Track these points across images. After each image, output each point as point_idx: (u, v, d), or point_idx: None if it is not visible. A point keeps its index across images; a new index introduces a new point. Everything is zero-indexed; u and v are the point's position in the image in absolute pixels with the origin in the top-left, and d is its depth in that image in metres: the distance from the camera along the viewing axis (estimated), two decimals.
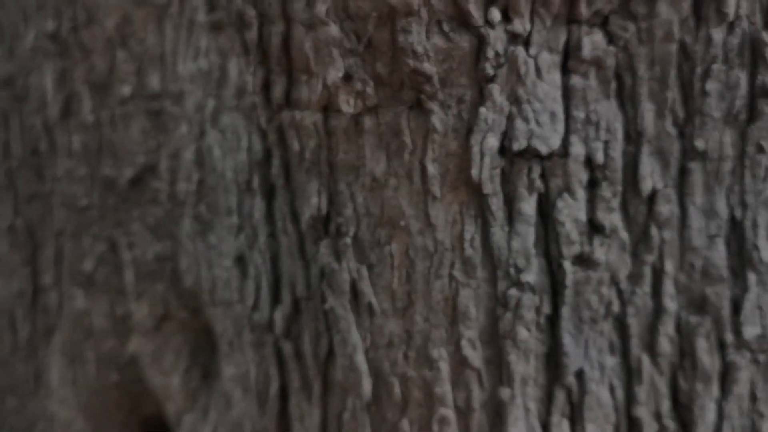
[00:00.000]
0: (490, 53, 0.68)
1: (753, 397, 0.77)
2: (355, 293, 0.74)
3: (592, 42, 0.69)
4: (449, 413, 0.73)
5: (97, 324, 1.00)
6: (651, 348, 0.74)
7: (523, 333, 0.71)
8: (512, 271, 0.71)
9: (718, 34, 0.70)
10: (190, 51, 0.89)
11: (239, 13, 0.74)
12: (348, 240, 0.73)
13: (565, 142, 0.71)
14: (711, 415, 0.76)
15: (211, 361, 0.96)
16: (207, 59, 0.86)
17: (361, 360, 0.73)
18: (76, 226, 0.99)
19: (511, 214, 0.71)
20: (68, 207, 0.99)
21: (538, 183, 0.71)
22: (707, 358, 0.75)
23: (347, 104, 0.69)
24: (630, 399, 0.75)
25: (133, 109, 0.95)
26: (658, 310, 0.75)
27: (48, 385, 1.06)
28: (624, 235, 0.73)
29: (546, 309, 0.73)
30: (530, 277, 0.71)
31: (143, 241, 0.95)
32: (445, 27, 0.67)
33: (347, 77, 0.69)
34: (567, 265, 0.72)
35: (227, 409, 0.90)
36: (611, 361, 0.74)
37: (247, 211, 0.81)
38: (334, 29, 0.67)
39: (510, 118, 0.69)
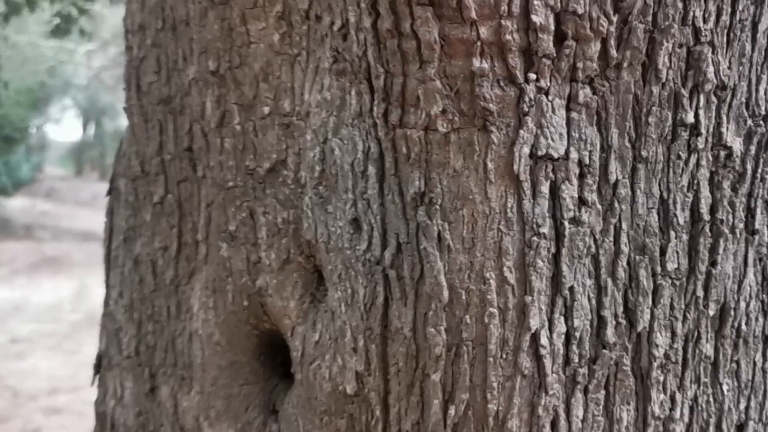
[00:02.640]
0: (526, 99, 1.09)
1: (671, 307, 1.17)
2: (440, 239, 1.13)
3: (584, 93, 1.10)
4: (495, 311, 1.13)
5: (235, 266, 1.39)
6: (613, 274, 1.15)
7: (539, 264, 1.12)
8: (535, 226, 1.11)
9: (656, 89, 1.11)
10: (315, 86, 1.28)
11: (369, 68, 1.18)
12: (437, 207, 1.13)
13: (567, 151, 1.11)
14: (647, 316, 1.17)
15: (317, 291, 1.35)
16: (330, 92, 1.24)
17: (442, 279, 1.14)
18: (222, 199, 1.41)
19: (535, 193, 1.11)
20: (217, 187, 1.41)
21: (551, 174, 1.11)
22: (645, 281, 1.16)
23: (443, 126, 1.10)
24: (599, 305, 1.15)
25: (270, 122, 1.34)
26: (617, 252, 1.15)
27: (190, 310, 1.49)
28: (599, 206, 1.13)
29: (553, 249, 1.13)
30: (545, 230, 1.11)
31: (274, 210, 1.34)
32: (502, 83, 1.08)
33: (443, 111, 1.10)
34: (566, 223, 1.12)
35: (331, 320, 1.27)
36: (589, 282, 1.15)
37: (360, 190, 1.21)
38: (438, 83, 1.10)
39: (536, 136, 1.09)
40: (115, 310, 1.59)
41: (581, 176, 1.14)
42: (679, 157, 1.16)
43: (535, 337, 1.15)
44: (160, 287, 1.51)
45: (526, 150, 1.11)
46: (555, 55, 1.09)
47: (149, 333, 1.53)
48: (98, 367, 1.69)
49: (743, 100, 1.18)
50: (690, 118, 1.15)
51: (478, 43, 1.08)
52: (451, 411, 1.18)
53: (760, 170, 1.21)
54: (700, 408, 1.24)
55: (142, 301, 1.54)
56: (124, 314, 1.57)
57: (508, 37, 1.07)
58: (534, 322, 1.14)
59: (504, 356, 1.16)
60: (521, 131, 1.11)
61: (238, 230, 1.39)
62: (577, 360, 1.17)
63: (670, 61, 1.12)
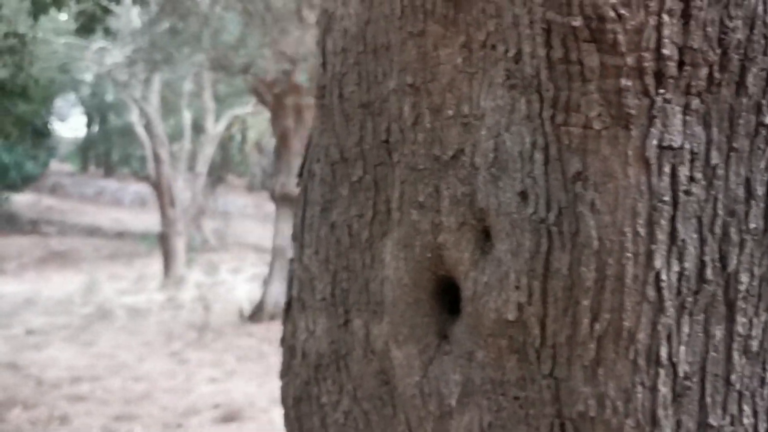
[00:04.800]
0: (656, 107, 1.41)
1: (752, 255, 1.54)
2: (592, 204, 1.47)
3: (695, 103, 1.46)
4: (630, 255, 1.49)
5: (422, 228, 1.78)
6: (711, 231, 1.48)
7: (662, 222, 1.43)
8: (659, 196, 1.46)
9: (745, 100, 1.48)
10: (489, 95, 1.68)
11: (539, 84, 1.64)
12: (591, 182, 1.48)
13: (683, 143, 1.41)
14: (734, 262, 1.47)
15: (485, 245, 1.73)
16: (501, 100, 1.64)
17: (593, 233, 1.51)
18: (414, 178, 1.83)
19: (660, 172, 1.41)
20: (410, 169, 1.83)
21: (671, 159, 1.39)
22: (734, 236, 1.45)
23: (597, 125, 1.50)
24: (702, 252, 1.49)
25: (453, 122, 1.72)
26: (715, 215, 1.44)
27: (382, 261, 1.95)
28: (703, 182, 1.42)
29: (671, 212, 1.45)
30: (666, 198, 1.45)
31: (454, 186, 1.72)
32: (639, 96, 1.47)
33: (599, 114, 1.51)
34: (681, 194, 1.43)
35: (498, 267, 1.66)
36: (695, 236, 1.47)
37: (527, 171, 1.60)
38: (596, 96, 1.50)
39: (662, 133, 1.45)
40: (310, 264, 2.05)
41: (692, 161, 1.46)
42: (759, 148, 1.49)
43: (657, 275, 1.48)
44: (355, 245, 1.96)
45: (655, 142, 1.45)
46: (677, 76, 1.43)
47: (344, 280, 1.98)
48: (288, 310, 2.16)
49: None
50: (767, 121, 1.49)
51: (625, 68, 1.49)
52: (597, 327, 1.59)
53: None
54: None
55: (338, 256, 1.99)
56: (319, 267, 2.02)
57: (646, 64, 1.48)
58: (657, 264, 1.48)
59: (636, 288, 1.49)
60: (652, 129, 1.45)
61: (425, 201, 1.78)
62: (686, 291, 1.48)
63: (755, 81, 1.46)
